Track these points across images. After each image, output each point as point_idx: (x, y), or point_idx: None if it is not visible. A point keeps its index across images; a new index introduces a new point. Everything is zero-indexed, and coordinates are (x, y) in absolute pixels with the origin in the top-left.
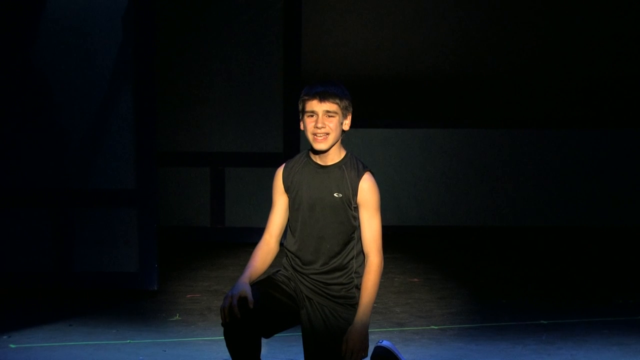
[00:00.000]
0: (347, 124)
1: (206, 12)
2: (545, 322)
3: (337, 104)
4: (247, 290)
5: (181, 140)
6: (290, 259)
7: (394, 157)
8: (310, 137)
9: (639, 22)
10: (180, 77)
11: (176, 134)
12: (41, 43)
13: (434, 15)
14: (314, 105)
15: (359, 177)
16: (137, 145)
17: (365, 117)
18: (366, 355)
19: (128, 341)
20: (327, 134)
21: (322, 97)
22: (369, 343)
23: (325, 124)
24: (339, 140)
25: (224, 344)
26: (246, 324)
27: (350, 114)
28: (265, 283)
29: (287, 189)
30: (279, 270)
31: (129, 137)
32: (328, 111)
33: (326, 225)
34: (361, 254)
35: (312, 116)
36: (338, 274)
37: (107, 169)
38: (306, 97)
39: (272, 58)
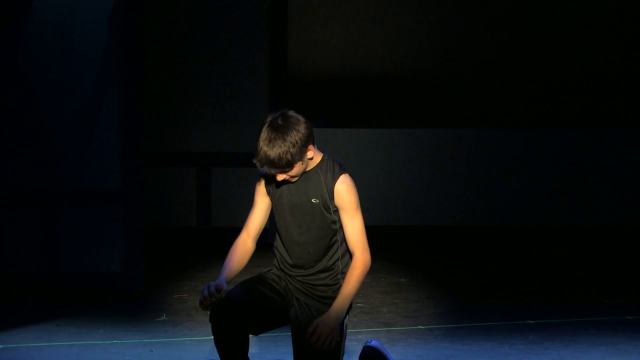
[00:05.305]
0: (310, 154)
1: (192, 12)
2: (532, 322)
3: (291, 166)
4: (222, 282)
5: (167, 140)
6: (279, 261)
7: (380, 156)
8: None
9: (636, 21)
10: (166, 77)
11: (162, 134)
12: (27, 44)
13: (421, 14)
14: (273, 173)
15: (335, 179)
16: (123, 145)
17: (352, 117)
18: (330, 347)
19: (115, 341)
20: (294, 176)
21: (277, 171)
22: (357, 343)
23: (289, 176)
24: (311, 150)
25: (210, 343)
26: (234, 320)
27: (309, 145)
28: (256, 280)
29: (269, 192)
30: (271, 269)
31: (115, 137)
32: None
33: (307, 230)
34: (347, 254)
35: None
36: (324, 275)
37: (93, 169)
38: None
39: (258, 58)
